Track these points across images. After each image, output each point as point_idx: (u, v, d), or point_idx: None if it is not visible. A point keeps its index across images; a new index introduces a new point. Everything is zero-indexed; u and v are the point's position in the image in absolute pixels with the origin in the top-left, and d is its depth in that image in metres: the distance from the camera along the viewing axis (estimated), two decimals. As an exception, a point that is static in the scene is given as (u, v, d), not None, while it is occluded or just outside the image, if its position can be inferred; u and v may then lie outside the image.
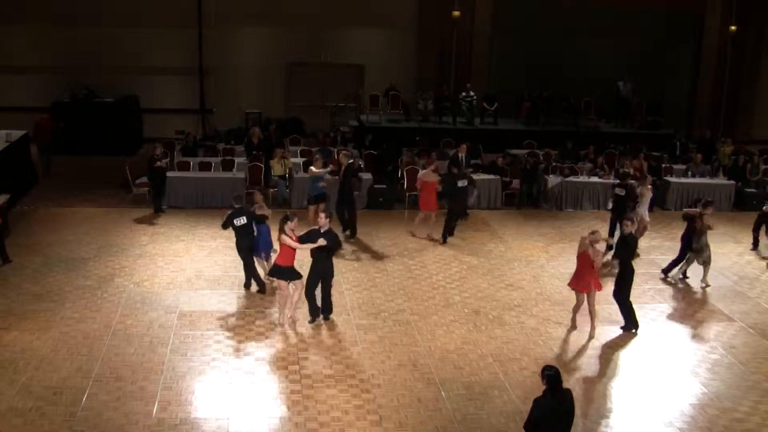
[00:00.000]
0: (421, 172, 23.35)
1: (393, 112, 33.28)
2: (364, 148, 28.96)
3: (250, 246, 17.77)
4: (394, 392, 13.78)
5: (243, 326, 16.13)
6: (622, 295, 16.69)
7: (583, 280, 16.15)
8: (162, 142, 25.98)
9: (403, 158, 27.67)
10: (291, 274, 16.07)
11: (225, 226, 17.82)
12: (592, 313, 16.33)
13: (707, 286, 19.76)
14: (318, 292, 16.30)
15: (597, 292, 16.30)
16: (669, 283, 19.91)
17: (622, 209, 21.22)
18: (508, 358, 15.40)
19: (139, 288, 17.96)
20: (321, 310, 16.42)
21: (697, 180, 27.62)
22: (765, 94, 38.74)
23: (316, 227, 16.07)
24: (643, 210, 21.93)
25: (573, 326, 16.73)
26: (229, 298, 17.64)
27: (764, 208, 22.63)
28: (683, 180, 27.50)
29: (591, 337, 16.35)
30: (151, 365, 14.30)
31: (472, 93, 32.79)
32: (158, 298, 17.37)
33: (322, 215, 16.10)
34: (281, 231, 15.76)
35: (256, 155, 26.42)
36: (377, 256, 20.70)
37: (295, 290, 16.25)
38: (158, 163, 23.72)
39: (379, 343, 15.69)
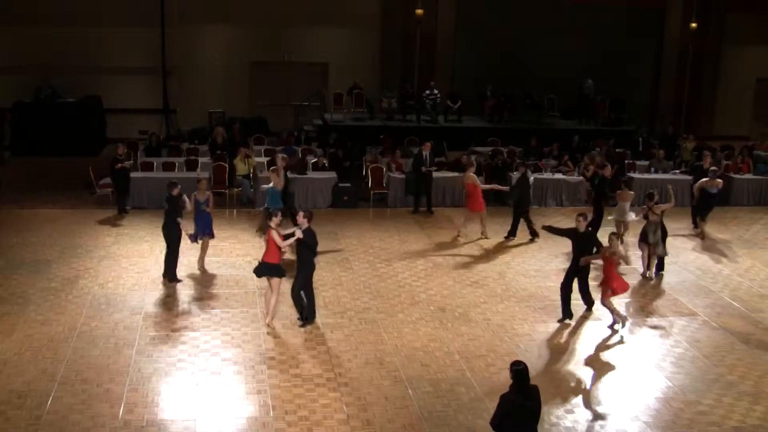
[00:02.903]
0: (464, 175, 23.27)
1: (357, 111, 33.35)
2: (328, 146, 28.96)
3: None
4: (361, 390, 13.80)
5: (209, 327, 16.09)
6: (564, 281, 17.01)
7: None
8: (125, 143, 25.85)
9: (368, 156, 27.72)
10: (275, 271, 15.99)
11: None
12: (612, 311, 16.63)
13: (652, 278, 20.03)
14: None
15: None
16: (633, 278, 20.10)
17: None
18: (474, 354, 15.46)
19: (103, 289, 17.86)
20: (306, 314, 16.31)
21: (660, 176, 27.85)
22: (726, 90, 39.21)
23: (296, 226, 15.95)
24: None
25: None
26: (194, 298, 17.60)
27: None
28: (646, 176, 27.71)
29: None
30: (117, 367, 14.22)
31: (435, 91, 32.92)
32: (123, 300, 17.28)
33: (301, 213, 15.93)
34: (267, 226, 15.80)
35: (220, 155, 26.37)
36: (342, 255, 20.72)
37: (272, 294, 16.06)
38: (121, 164, 23.61)
39: (346, 341, 15.70)
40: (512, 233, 22.69)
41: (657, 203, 20.00)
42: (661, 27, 38.57)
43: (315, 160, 26.95)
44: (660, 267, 20.34)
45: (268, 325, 16.03)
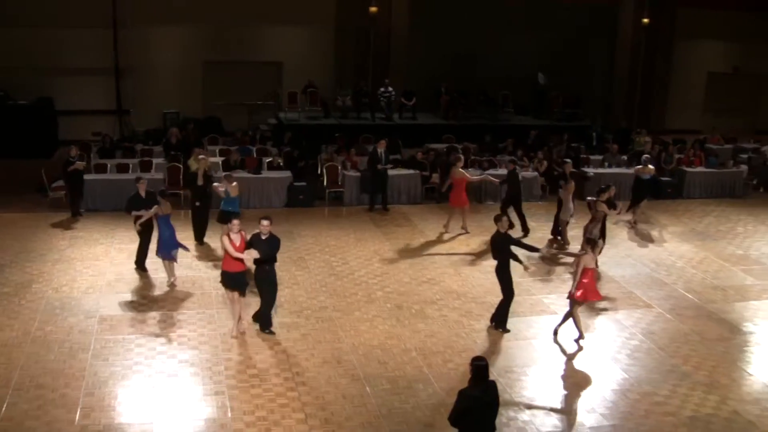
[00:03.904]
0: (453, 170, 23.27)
1: (312, 109, 33.31)
2: (283, 145, 28.91)
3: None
4: (319, 389, 13.80)
5: (165, 329, 16.01)
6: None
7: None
8: (78, 145, 25.60)
9: (323, 155, 27.70)
10: (238, 282, 15.53)
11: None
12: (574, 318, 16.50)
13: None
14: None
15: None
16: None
17: None
18: (431, 351, 15.52)
19: (58, 293, 17.71)
20: (261, 322, 15.97)
21: (614, 170, 28.09)
22: (678, 85, 39.60)
23: (257, 232, 15.32)
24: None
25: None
26: (150, 300, 17.50)
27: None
28: (600, 170, 27.92)
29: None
30: (73, 371, 14.11)
31: (390, 88, 32.96)
32: (78, 303, 17.15)
33: (265, 222, 15.29)
34: (224, 234, 15.44)
35: (174, 155, 26.23)
36: (298, 254, 20.69)
37: (236, 302, 15.71)
38: (74, 166, 23.40)
39: (303, 340, 15.70)
40: (524, 230, 22.95)
41: (607, 199, 20.19)
42: (613, 22, 38.86)
43: (270, 159, 26.91)
44: None
45: (234, 337, 15.64)
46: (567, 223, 22.15)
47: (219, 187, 20.51)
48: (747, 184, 29.94)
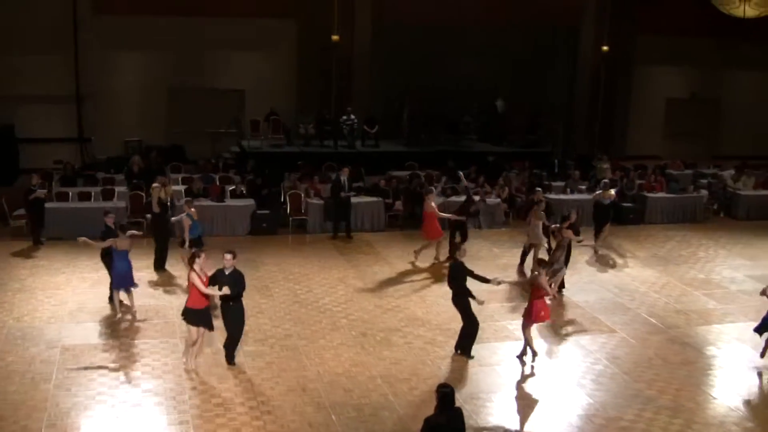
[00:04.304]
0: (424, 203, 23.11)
1: (274, 137, 33.27)
2: (246, 173, 28.85)
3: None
4: (284, 418, 13.72)
5: (128, 358, 15.87)
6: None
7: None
8: (40, 173, 25.43)
9: (286, 183, 27.66)
10: (203, 319, 15.17)
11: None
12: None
13: (561, 295, 20.34)
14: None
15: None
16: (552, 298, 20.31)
17: None
18: (397, 378, 15.49)
19: (19, 323, 17.51)
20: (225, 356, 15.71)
21: (576, 196, 28.24)
22: (638, 110, 39.94)
23: (221, 268, 15.13)
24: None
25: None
26: (113, 330, 17.34)
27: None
28: (562, 197, 28.05)
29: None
30: (34, 403, 13.92)
31: (353, 116, 32.99)
32: (40, 333, 16.96)
33: (228, 256, 15.12)
34: (191, 269, 14.99)
35: (136, 184, 26.11)
36: (262, 282, 20.59)
37: (200, 336, 15.31)
38: (35, 194, 23.22)
39: (268, 369, 15.61)
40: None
41: (570, 226, 20.32)
42: (574, 49, 39.19)
43: (233, 187, 26.83)
44: (561, 285, 20.55)
45: (192, 370, 15.32)
46: (536, 250, 22.13)
47: (186, 220, 20.37)
48: (707, 208, 30.21)
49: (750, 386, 16.06)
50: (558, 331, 18.36)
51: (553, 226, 21.24)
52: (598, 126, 38.93)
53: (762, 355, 16.83)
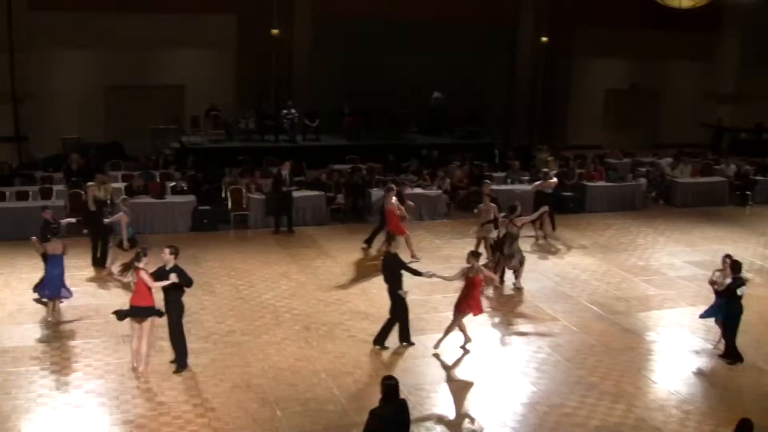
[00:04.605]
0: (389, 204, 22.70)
1: (215, 133, 33.07)
2: (187, 169, 28.65)
3: None
4: (229, 415, 13.68)
5: (69, 359, 15.69)
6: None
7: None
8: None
9: (227, 178, 27.50)
10: (148, 312, 14.84)
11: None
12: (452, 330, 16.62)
13: (520, 287, 20.41)
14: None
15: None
16: (494, 287, 20.47)
17: None
18: (341, 372, 15.50)
19: (-43, 326, 17.28)
20: (178, 361, 15.37)
21: (516, 186, 28.43)
22: (577, 101, 40.29)
23: (162, 265, 14.88)
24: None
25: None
26: (53, 330, 17.10)
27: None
28: (503, 187, 28.20)
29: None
30: (-27, 406, 13.76)
31: (293, 110, 32.93)
32: (-22, 336, 16.74)
33: (166, 251, 14.91)
34: (136, 268, 14.71)
35: (75, 182, 25.81)
36: (204, 278, 20.38)
37: (141, 339, 14.96)
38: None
39: (212, 366, 15.53)
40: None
41: (519, 215, 20.46)
42: (513, 42, 39.42)
43: (174, 183, 26.62)
44: (517, 276, 20.71)
45: (141, 374, 14.99)
46: (489, 240, 22.10)
47: (124, 217, 20.21)
48: (646, 196, 30.59)
49: (689, 370, 16.31)
50: (501, 320, 18.52)
51: (501, 217, 21.28)
52: (538, 117, 39.22)
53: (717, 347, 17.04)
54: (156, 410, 13.74)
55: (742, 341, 17.14)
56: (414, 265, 17.42)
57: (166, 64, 34.37)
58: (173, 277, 14.66)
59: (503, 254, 20.44)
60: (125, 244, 20.44)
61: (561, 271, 21.92)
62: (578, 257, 23.52)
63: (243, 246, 23.73)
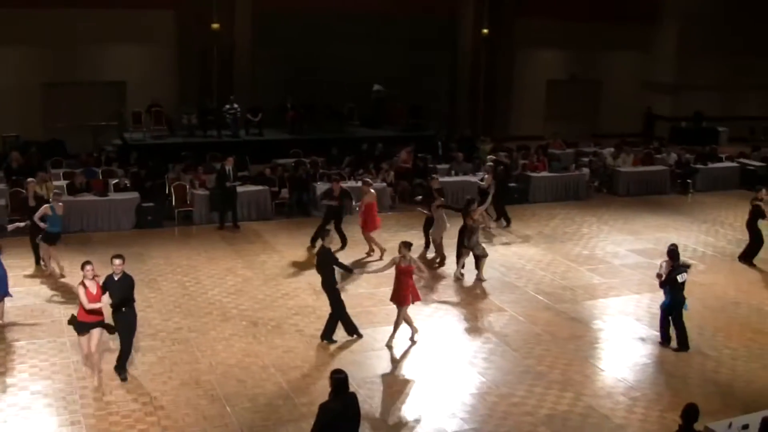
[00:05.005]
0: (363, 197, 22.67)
1: (157, 129, 32.79)
2: (130, 166, 28.38)
3: None
4: (178, 412, 13.60)
5: (15, 360, 15.46)
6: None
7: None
8: None
9: (170, 174, 27.28)
10: (93, 325, 14.21)
11: None
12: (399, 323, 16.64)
13: (484, 280, 20.51)
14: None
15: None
16: (440, 279, 20.56)
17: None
18: (290, 366, 15.49)
19: None
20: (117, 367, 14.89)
21: (461, 178, 28.54)
22: (519, 92, 40.58)
23: (110, 273, 14.33)
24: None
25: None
26: (-3, 331, 16.92)
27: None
28: (448, 179, 28.27)
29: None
30: None
31: (236, 105, 32.74)
32: None
33: (117, 261, 14.25)
34: (81, 283, 14.07)
35: (16, 180, 25.45)
36: (150, 276, 20.26)
37: (91, 352, 14.38)
38: None
39: (159, 364, 15.43)
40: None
41: (474, 209, 20.56)
42: (454, 34, 39.55)
43: (116, 180, 26.35)
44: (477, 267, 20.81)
45: (96, 386, 14.48)
46: (441, 239, 22.09)
47: (45, 209, 19.73)
48: (589, 186, 30.83)
49: (635, 357, 16.51)
50: (448, 311, 18.60)
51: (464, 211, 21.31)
52: (480, 108, 39.39)
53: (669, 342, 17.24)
54: (104, 410, 13.61)
55: (687, 328, 17.39)
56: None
57: (106, 61, 33.96)
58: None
59: (464, 247, 20.53)
60: (39, 237, 19.96)
61: (507, 262, 22.05)
62: (523, 247, 23.68)
63: (188, 242, 23.57)
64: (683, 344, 16.80)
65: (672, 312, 16.78)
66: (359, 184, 24.30)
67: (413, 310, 17.14)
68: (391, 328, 16.80)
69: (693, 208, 29.21)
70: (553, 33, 39.89)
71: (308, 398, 14.02)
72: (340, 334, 16.72)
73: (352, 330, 16.81)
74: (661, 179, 31.88)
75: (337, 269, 16.80)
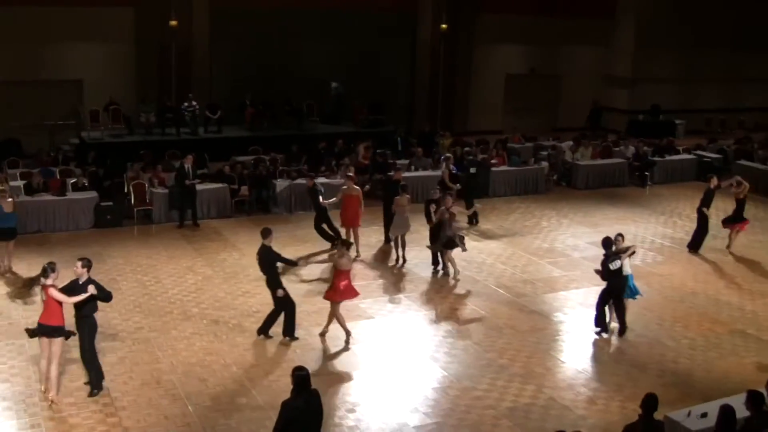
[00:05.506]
0: (343, 187, 22.52)
1: (115, 127, 32.51)
2: (88, 165, 28.14)
3: None
4: (140, 413, 13.54)
5: (-28, 362, 15.36)
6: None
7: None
8: None
9: (129, 173, 27.09)
10: (57, 331, 13.69)
11: None
12: (334, 318, 16.64)
13: (451, 272, 20.59)
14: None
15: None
16: (400, 275, 20.61)
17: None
18: (251, 364, 15.47)
19: None
20: (92, 382, 14.41)
21: (421, 173, 28.57)
22: (478, 87, 40.60)
23: (75, 279, 13.89)
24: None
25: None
26: (-46, 334, 16.72)
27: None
28: (408, 174, 28.25)
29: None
30: None
31: (194, 103, 32.56)
32: None
33: (78, 264, 13.85)
34: (44, 285, 13.59)
35: (-29, 181, 25.22)
36: (109, 276, 20.00)
37: (51, 362, 13.74)
38: None
39: (120, 364, 15.33)
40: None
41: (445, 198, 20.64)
42: (414, 29, 39.56)
43: (74, 180, 26.12)
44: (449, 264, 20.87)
45: (52, 401, 13.75)
46: (397, 237, 21.95)
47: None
48: (548, 180, 30.98)
49: (595, 349, 16.67)
50: (410, 306, 18.63)
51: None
52: (440, 103, 39.43)
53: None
54: (65, 412, 13.51)
55: (646, 319, 17.62)
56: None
57: (63, 59, 33.57)
58: (91, 289, 13.66)
59: (436, 243, 20.55)
60: None
61: (467, 256, 22.04)
62: (484, 241, 23.75)
63: (147, 241, 23.40)
64: (622, 328, 17.22)
65: (609, 299, 17.12)
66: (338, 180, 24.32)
67: (377, 305, 17.20)
68: (352, 324, 16.83)
69: (651, 200, 29.45)
70: (512, 28, 39.99)
71: (270, 396, 13.98)
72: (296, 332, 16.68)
73: (289, 331, 16.69)
74: (620, 172, 32.10)
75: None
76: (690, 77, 42.93)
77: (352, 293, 16.68)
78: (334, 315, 16.54)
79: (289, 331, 16.68)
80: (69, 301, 13.62)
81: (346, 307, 17.63)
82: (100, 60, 33.92)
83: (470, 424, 13.55)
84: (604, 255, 16.85)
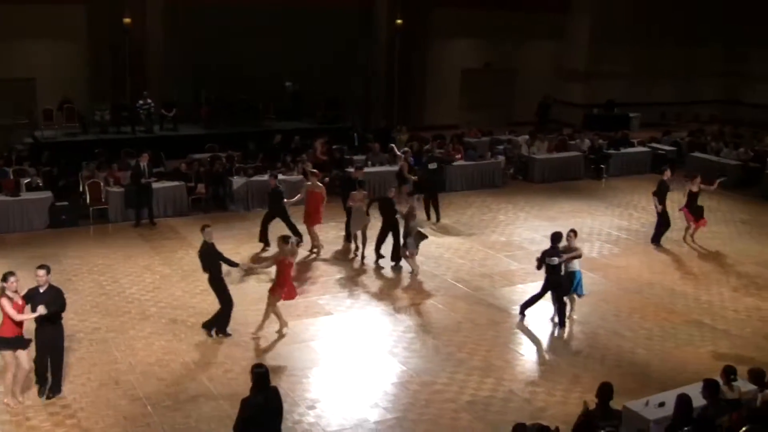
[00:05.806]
0: (307, 183, 22.50)
1: (69, 126, 32.23)
2: (42, 165, 27.87)
3: None
4: (98, 414, 13.44)
5: (-73, 365, 15.16)
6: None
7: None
8: None
9: (84, 172, 26.85)
10: (19, 343, 13.35)
11: None
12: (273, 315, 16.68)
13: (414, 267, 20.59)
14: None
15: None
16: (359, 271, 20.62)
17: None
18: (210, 363, 15.42)
19: None
20: (49, 387, 14.12)
21: (378, 168, 28.57)
22: (434, 82, 40.71)
23: (35, 286, 13.48)
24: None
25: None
26: None
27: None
28: (367, 169, 28.21)
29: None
30: None
31: (149, 100, 32.32)
32: None
33: (41, 272, 13.44)
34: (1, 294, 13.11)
35: None
36: (66, 276, 19.82)
37: (19, 368, 13.47)
38: None
39: (78, 365, 15.20)
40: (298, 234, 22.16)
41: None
42: (369, 24, 39.54)
43: (28, 180, 25.85)
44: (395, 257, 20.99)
45: (8, 404, 13.57)
46: (356, 235, 22.00)
47: None
48: (505, 173, 31.09)
49: (553, 341, 16.81)
50: (368, 301, 18.65)
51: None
52: (396, 98, 39.48)
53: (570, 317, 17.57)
54: (22, 414, 13.39)
55: (603, 310, 17.76)
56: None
57: (14, 57, 33.21)
58: (41, 309, 13.07)
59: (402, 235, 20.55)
60: None
61: (425, 251, 22.04)
62: (441, 236, 23.80)
63: (104, 241, 23.22)
64: (561, 321, 17.43)
65: (545, 292, 17.42)
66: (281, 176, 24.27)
67: (335, 301, 17.22)
68: (311, 320, 16.83)
69: (606, 193, 29.68)
70: (467, 22, 40.11)
71: (230, 393, 13.94)
72: (259, 331, 16.65)
73: (222, 327, 16.69)
74: (575, 165, 32.32)
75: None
76: (644, 71, 43.35)
77: (293, 294, 16.74)
78: (271, 307, 16.54)
79: (222, 326, 16.69)
80: (18, 318, 13.10)
81: (305, 303, 17.66)
82: (53, 58, 33.62)
83: (430, 418, 13.60)
84: (549, 248, 16.99)
